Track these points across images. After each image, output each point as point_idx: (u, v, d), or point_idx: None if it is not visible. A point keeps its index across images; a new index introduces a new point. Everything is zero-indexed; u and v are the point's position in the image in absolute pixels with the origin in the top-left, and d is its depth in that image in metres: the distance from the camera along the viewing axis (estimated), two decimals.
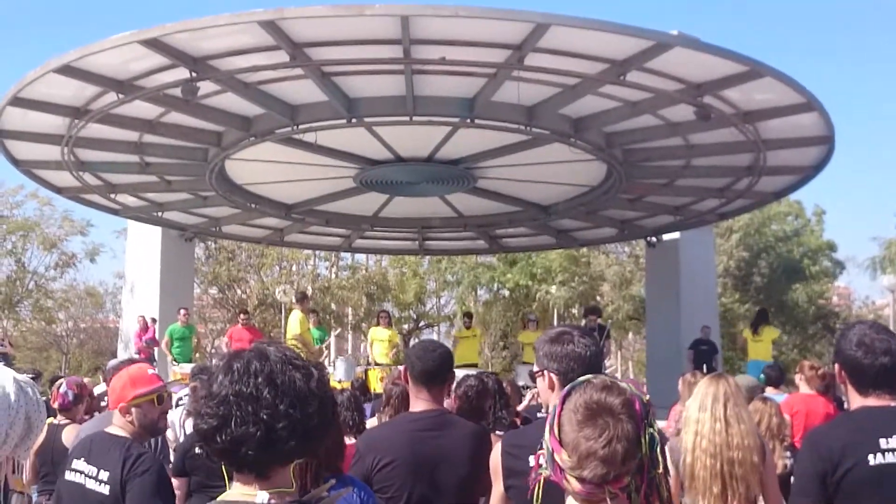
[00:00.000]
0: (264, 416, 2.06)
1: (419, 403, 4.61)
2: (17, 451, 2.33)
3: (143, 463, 4.08)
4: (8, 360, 20.56)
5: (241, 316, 19.96)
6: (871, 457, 3.55)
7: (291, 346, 2.40)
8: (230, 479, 2.23)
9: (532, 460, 3.60)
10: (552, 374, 3.58)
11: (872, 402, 3.72)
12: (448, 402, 11.25)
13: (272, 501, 2.11)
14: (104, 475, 4.09)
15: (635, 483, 2.24)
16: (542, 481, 2.55)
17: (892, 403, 3.69)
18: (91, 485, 4.12)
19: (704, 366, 16.99)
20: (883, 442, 3.56)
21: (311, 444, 2.17)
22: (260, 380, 2.09)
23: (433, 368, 4.56)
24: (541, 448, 2.35)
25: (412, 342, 45.72)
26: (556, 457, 2.23)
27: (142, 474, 4.02)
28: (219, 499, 2.18)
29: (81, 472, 4.18)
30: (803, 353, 38.54)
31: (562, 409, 2.29)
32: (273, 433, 2.07)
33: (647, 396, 2.36)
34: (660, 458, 2.29)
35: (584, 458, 2.19)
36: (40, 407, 2.38)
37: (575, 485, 2.21)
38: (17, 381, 2.33)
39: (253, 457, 2.09)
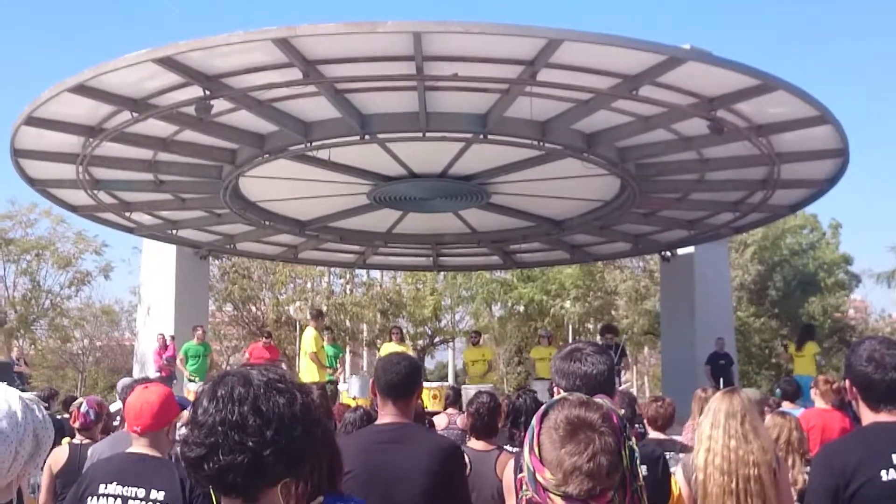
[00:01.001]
0: (251, 444, 2.06)
1: (384, 416, 4.59)
2: (26, 469, 2.33)
3: None
4: (24, 379, 20.64)
5: (265, 338, 20.01)
6: (883, 473, 3.52)
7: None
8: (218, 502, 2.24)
9: None
10: (561, 390, 3.60)
11: (884, 417, 3.70)
12: (461, 419, 11.29)
13: None
14: (159, 495, 4.06)
15: (618, 497, 2.24)
16: None
17: None
18: None
19: (721, 380, 16.93)
20: (895, 457, 3.53)
21: (302, 468, 2.18)
22: (245, 408, 2.09)
23: (396, 381, 4.53)
24: (521, 471, 2.32)
25: (427, 358, 45.77)
26: (539, 476, 2.21)
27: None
28: None
29: (118, 496, 4.12)
30: (819, 367, 38.31)
31: (540, 428, 2.27)
32: (260, 460, 2.07)
33: (623, 411, 2.37)
34: (639, 471, 2.31)
35: (568, 475, 2.18)
36: (47, 424, 2.39)
37: (560, 502, 2.20)
38: (23, 400, 2.34)
39: (241, 483, 2.09)
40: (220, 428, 2.08)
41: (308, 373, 17.11)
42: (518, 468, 2.26)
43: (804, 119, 13.44)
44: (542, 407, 2.33)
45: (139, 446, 4.37)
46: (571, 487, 2.16)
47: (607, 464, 2.18)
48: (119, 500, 4.11)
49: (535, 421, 2.29)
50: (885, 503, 3.52)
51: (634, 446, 2.29)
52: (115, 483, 4.16)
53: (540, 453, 2.24)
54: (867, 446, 3.67)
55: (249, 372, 2.18)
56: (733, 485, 4.46)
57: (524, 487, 2.30)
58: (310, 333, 17.90)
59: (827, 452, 3.93)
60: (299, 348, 19.75)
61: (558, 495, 2.19)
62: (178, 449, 2.23)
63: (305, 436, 2.14)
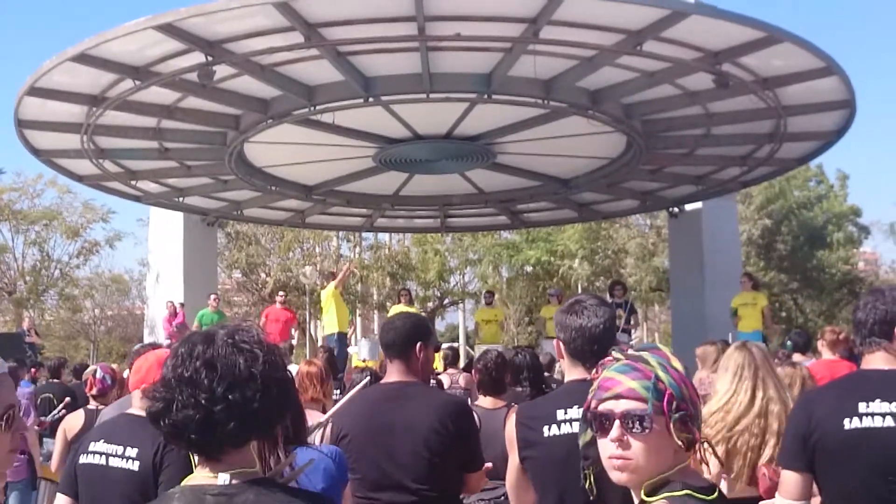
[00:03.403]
0: (202, 401, 2.10)
1: (390, 375, 4.63)
2: None
3: None
4: (35, 350, 20.73)
5: (279, 295, 20.09)
6: (846, 421, 3.56)
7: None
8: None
9: (546, 431, 3.64)
10: (560, 343, 3.72)
11: (868, 364, 3.74)
12: (463, 377, 11.34)
13: (234, 482, 2.14)
14: (132, 452, 4.11)
15: None
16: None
17: (887, 367, 3.68)
18: (115, 462, 4.14)
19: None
20: (862, 406, 3.56)
21: (258, 426, 2.19)
22: (198, 363, 2.13)
23: (391, 340, 4.57)
24: (687, 425, 2.28)
25: (437, 320, 45.87)
26: (705, 426, 2.31)
27: (178, 452, 4.03)
28: (183, 483, 2.22)
29: (102, 453, 4.19)
30: (829, 319, 38.36)
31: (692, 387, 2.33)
32: (211, 416, 2.10)
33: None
34: None
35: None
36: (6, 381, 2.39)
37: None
38: None
39: (197, 440, 2.14)
40: (175, 383, 2.14)
41: (330, 325, 17.55)
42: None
43: (810, 71, 13.35)
44: (678, 367, 2.35)
45: (134, 407, 4.42)
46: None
47: None
48: (103, 456, 4.18)
49: (683, 384, 2.31)
50: (846, 451, 3.55)
51: None
52: (102, 441, 4.25)
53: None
54: (840, 394, 3.74)
55: (217, 331, 2.22)
56: (755, 437, 4.48)
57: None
58: (328, 290, 18.18)
59: (801, 400, 4.06)
60: (308, 312, 19.94)
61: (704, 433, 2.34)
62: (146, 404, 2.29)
63: (263, 394, 2.15)
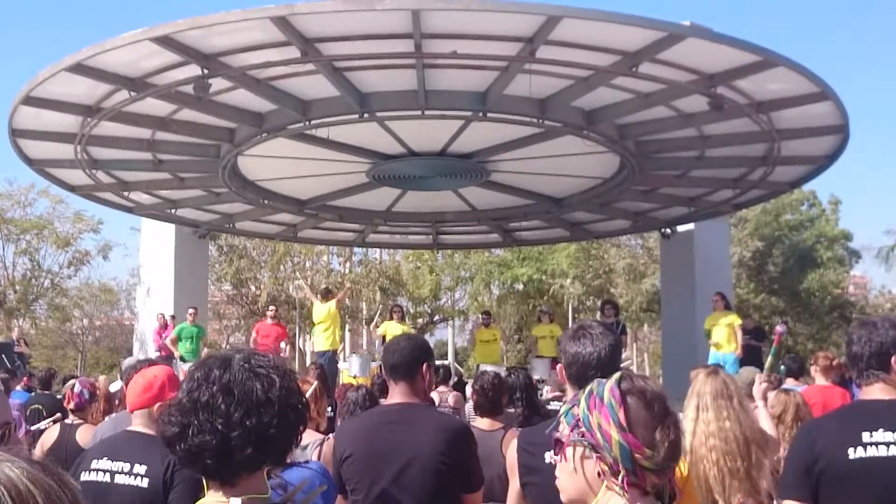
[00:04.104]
0: (219, 426, 2.09)
1: (393, 397, 4.63)
2: None
3: None
4: (24, 360, 20.65)
5: (270, 310, 20.03)
6: (850, 450, 3.56)
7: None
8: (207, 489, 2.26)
9: (548, 457, 3.61)
10: (563, 367, 3.74)
11: (870, 395, 3.75)
12: (453, 396, 11.29)
13: None
14: (140, 469, 4.09)
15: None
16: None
17: (888, 397, 3.69)
18: (122, 479, 4.12)
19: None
20: (866, 436, 3.57)
21: (273, 452, 2.18)
22: (216, 389, 2.12)
23: (397, 362, 4.56)
24: (594, 452, 2.28)
25: (427, 337, 45.78)
26: (637, 454, 2.22)
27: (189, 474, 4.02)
28: None
29: (106, 471, 4.16)
30: (819, 343, 38.39)
31: (625, 407, 2.28)
32: (228, 442, 2.08)
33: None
34: None
35: (662, 447, 2.24)
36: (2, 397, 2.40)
37: (653, 479, 2.25)
38: None
39: (213, 465, 2.11)
40: (191, 408, 2.12)
41: (324, 342, 17.51)
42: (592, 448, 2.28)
43: (804, 95, 13.42)
44: (613, 385, 2.33)
45: (136, 425, 4.41)
46: (664, 460, 2.24)
47: (681, 434, 2.32)
48: (107, 474, 4.15)
49: (614, 401, 2.29)
50: (853, 481, 3.55)
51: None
52: (105, 458, 4.22)
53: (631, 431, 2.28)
54: (842, 424, 3.74)
55: (233, 355, 2.21)
56: (726, 465, 4.44)
57: (604, 470, 2.28)
58: (329, 307, 18.14)
59: (804, 429, 4.06)
60: (298, 326, 19.85)
61: (653, 470, 2.24)
62: (160, 427, 2.27)
63: (279, 420, 2.14)
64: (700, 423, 4.50)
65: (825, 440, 3.65)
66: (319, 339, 17.83)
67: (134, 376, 4.67)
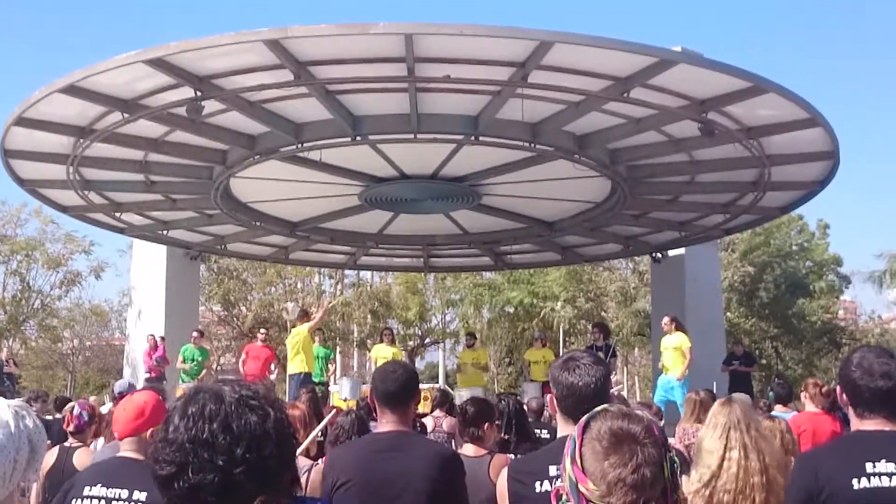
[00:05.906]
0: (221, 463, 2.05)
1: (383, 425, 4.66)
2: (26, 476, 2.34)
3: None
4: (14, 380, 20.59)
5: (260, 332, 19.96)
6: (855, 481, 3.56)
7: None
8: None
9: (538, 486, 3.62)
10: (553, 398, 3.76)
11: (868, 426, 3.74)
12: (447, 422, 11.25)
13: None
14: (141, 495, 4.04)
15: None
16: None
17: (887, 428, 3.69)
18: None
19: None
20: (869, 466, 3.57)
21: (273, 484, 2.15)
22: (215, 425, 2.07)
23: (393, 390, 4.60)
24: (559, 481, 2.32)
25: (417, 360, 45.71)
26: (582, 487, 2.22)
27: None
28: None
29: (101, 498, 4.11)
30: (809, 368, 38.45)
31: (582, 439, 2.28)
32: (230, 478, 2.05)
33: (662, 422, 2.39)
34: (679, 482, 2.31)
35: (612, 486, 2.19)
36: (40, 430, 2.39)
37: None
38: (13, 409, 2.34)
39: (213, 502, 2.07)
40: (189, 446, 2.07)
41: (297, 366, 17.28)
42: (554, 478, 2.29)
43: (795, 121, 13.48)
44: (584, 418, 2.34)
45: (126, 451, 4.39)
46: (615, 499, 2.18)
47: (651, 476, 2.20)
48: (103, 501, 4.09)
49: (576, 432, 2.30)
50: None
51: (675, 458, 2.29)
52: (99, 485, 4.16)
53: (582, 464, 2.25)
54: (844, 454, 3.72)
55: (222, 388, 2.17)
56: (745, 494, 4.41)
57: (563, 498, 2.30)
58: (300, 331, 17.91)
59: (804, 459, 4.02)
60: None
61: None
62: (151, 468, 2.18)
63: (278, 452, 2.12)
64: (716, 456, 4.43)
65: (828, 469, 3.64)
66: (293, 362, 17.69)
67: (119, 402, 4.65)
